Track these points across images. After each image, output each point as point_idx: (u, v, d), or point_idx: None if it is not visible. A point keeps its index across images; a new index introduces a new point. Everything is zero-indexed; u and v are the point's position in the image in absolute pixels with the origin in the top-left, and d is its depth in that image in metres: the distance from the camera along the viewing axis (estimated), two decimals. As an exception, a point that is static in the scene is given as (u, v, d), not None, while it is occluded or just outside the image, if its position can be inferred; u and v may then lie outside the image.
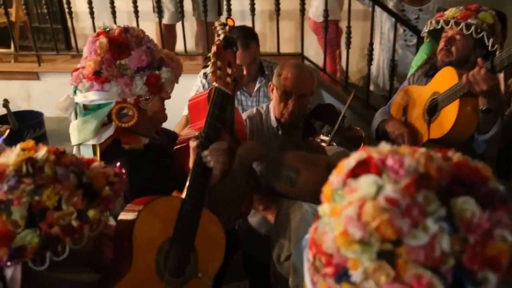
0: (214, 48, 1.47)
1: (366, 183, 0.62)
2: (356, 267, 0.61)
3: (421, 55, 2.56)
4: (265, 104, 2.33)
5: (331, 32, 3.66)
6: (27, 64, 4.02)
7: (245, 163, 1.55)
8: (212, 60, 1.45)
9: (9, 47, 4.16)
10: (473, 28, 2.00)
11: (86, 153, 1.55)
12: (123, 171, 1.21)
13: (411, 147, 0.68)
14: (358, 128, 2.09)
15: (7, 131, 1.65)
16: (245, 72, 2.39)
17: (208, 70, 1.47)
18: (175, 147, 1.69)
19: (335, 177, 0.67)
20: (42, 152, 1.06)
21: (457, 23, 2.04)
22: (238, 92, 2.59)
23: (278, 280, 1.72)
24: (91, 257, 1.19)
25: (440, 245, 0.58)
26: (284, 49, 3.61)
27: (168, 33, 3.68)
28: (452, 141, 1.95)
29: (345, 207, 0.62)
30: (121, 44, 1.55)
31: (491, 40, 2.03)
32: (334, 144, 1.96)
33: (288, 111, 2.09)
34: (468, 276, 0.58)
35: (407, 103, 2.29)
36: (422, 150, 0.67)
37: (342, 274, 0.63)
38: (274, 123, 2.20)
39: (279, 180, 1.41)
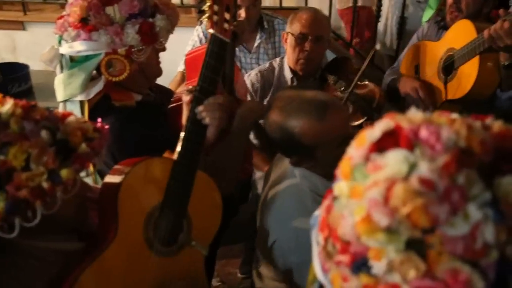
0: None
1: (395, 160, 0.52)
2: (379, 257, 0.52)
3: (429, 11, 2.42)
4: (278, 58, 2.22)
5: (361, 18, 3.44)
6: (12, 12, 3.77)
7: (245, 123, 1.41)
8: (208, 4, 1.30)
9: (-9, -7, 3.94)
10: None
11: (73, 110, 1.42)
12: (107, 126, 1.09)
13: (443, 112, 0.58)
14: (373, 84, 1.97)
15: None
16: (243, 15, 2.27)
17: (206, 15, 1.32)
18: (170, 106, 1.57)
19: (356, 151, 0.57)
20: (7, 106, 0.94)
21: None
22: (237, 49, 2.46)
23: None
24: (75, 224, 1.09)
25: (483, 235, 0.49)
26: (286, 2, 3.41)
27: None
28: (472, 100, 1.85)
29: (369, 188, 0.52)
30: None
31: None
32: (348, 102, 1.86)
33: (304, 55, 2.01)
34: None
35: (419, 61, 2.16)
36: (461, 118, 0.56)
37: (360, 264, 0.54)
38: (289, 75, 2.11)
39: (303, 117, 1.24)
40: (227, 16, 1.31)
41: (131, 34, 1.41)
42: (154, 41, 1.46)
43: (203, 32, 2.50)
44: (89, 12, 1.39)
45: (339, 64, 2.08)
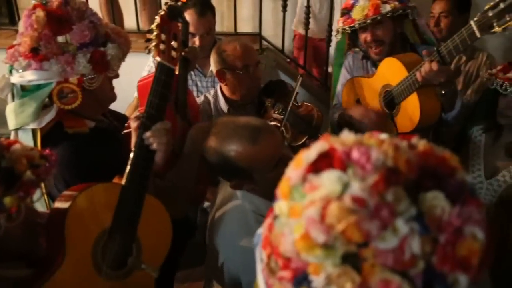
0: (157, 19, 1.35)
1: (329, 180, 0.56)
2: (317, 272, 0.55)
3: (339, 52, 2.52)
4: (212, 90, 2.24)
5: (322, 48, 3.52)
6: None
7: (197, 145, 1.44)
8: (155, 33, 1.33)
9: None
10: (390, 14, 1.96)
11: (25, 138, 1.41)
12: (54, 153, 1.10)
13: (376, 135, 0.62)
14: (309, 104, 2.04)
15: None
16: (198, 43, 2.30)
17: (151, 44, 1.35)
18: (124, 131, 1.58)
19: (294, 172, 0.60)
20: None
21: (374, 20, 1.97)
22: (193, 73, 2.49)
23: None
24: (23, 250, 1.08)
25: (410, 247, 0.53)
26: (242, 29, 3.48)
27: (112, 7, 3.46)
28: (422, 129, 1.93)
29: (306, 207, 0.55)
30: (60, 18, 1.42)
31: (413, 11, 2.01)
32: (288, 124, 1.91)
33: (255, 83, 2.03)
34: (438, 279, 0.54)
35: (358, 96, 2.24)
36: (388, 139, 0.61)
37: (301, 279, 0.57)
38: (224, 107, 2.12)
39: (237, 141, 1.29)
40: (174, 44, 1.34)
41: (83, 63, 1.42)
42: (105, 69, 1.48)
43: (148, 53, 2.51)
44: (39, 42, 1.40)
45: (274, 86, 2.12)
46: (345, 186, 0.55)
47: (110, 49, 1.47)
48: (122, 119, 1.71)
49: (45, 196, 1.42)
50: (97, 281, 1.23)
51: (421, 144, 0.62)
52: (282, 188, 0.61)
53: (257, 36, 3.34)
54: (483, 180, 1.87)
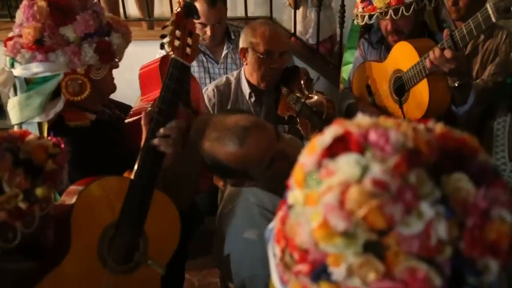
0: (173, 16, 1.33)
1: (347, 164, 0.52)
2: (338, 263, 0.52)
3: (353, 35, 2.45)
4: (235, 71, 2.21)
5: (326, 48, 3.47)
6: None
7: (201, 135, 1.41)
8: (170, 29, 1.31)
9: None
10: (414, 5, 1.87)
11: (31, 131, 1.39)
12: (61, 140, 1.09)
13: (393, 119, 0.59)
14: (321, 95, 2.00)
15: None
16: (209, 33, 2.27)
17: (166, 39, 1.33)
18: (126, 121, 1.55)
19: (307, 158, 0.57)
20: None
21: (396, 10, 1.88)
22: (204, 59, 2.47)
23: None
24: (33, 240, 1.08)
25: (437, 232, 0.49)
26: (254, 12, 3.42)
27: None
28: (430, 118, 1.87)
29: (324, 193, 0.52)
30: (63, 8, 1.38)
31: (433, 2, 1.92)
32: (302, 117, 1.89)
33: (271, 72, 2.00)
34: (468, 266, 0.50)
35: (369, 81, 2.18)
36: (406, 122, 0.57)
37: (320, 272, 0.54)
38: (247, 90, 2.10)
39: (225, 144, 1.26)
40: (189, 41, 1.32)
41: (89, 53, 1.39)
42: (112, 59, 1.46)
43: (163, 49, 2.49)
44: (43, 33, 1.37)
45: (290, 74, 2.09)
46: (364, 169, 0.51)
47: (115, 39, 1.44)
48: (126, 109, 1.69)
49: None
50: (102, 274, 1.22)
51: (438, 126, 0.58)
52: (295, 176, 0.57)
53: (269, 20, 3.28)
54: (506, 161, 1.81)
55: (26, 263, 1.10)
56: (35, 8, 1.37)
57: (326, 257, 0.52)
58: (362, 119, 0.57)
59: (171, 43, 1.30)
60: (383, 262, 0.50)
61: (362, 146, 0.53)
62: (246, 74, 2.11)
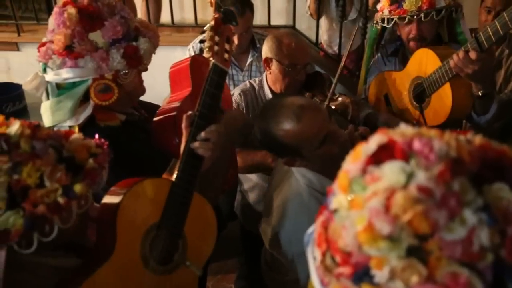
0: (212, 22, 1.36)
1: (392, 171, 0.54)
2: (381, 266, 0.54)
3: (370, 42, 2.46)
4: (257, 78, 2.24)
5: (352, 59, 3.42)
6: (7, 34, 3.79)
7: (229, 131, 1.47)
8: (209, 35, 1.34)
9: (-14, 16, 3.93)
10: (443, 11, 1.90)
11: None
12: (104, 141, 1.13)
13: (435, 129, 0.61)
14: (345, 97, 2.04)
15: None
16: (236, 42, 2.31)
17: (205, 44, 1.36)
18: (154, 119, 1.58)
19: (352, 164, 0.59)
20: (15, 126, 0.97)
21: (427, 14, 1.90)
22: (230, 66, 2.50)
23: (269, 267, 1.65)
24: (74, 239, 1.10)
25: (479, 238, 0.51)
26: (275, 21, 3.46)
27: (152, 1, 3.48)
28: (449, 125, 1.86)
29: (369, 198, 0.54)
30: (92, 14, 1.42)
31: (459, 10, 1.95)
32: None
33: (295, 83, 2.03)
34: (509, 272, 0.52)
35: (387, 91, 2.19)
36: (448, 132, 0.60)
37: (362, 275, 0.55)
38: (269, 96, 2.13)
39: (282, 121, 1.36)
40: (227, 46, 1.36)
41: (117, 58, 1.42)
42: (139, 64, 1.48)
43: (194, 52, 2.52)
44: (73, 39, 1.40)
45: (312, 79, 2.12)
46: (409, 176, 0.53)
47: (142, 44, 1.47)
48: (154, 110, 1.71)
49: None
50: (144, 274, 1.24)
51: (478, 138, 0.60)
52: (340, 181, 0.59)
53: (291, 29, 3.29)
54: None
55: (67, 260, 1.12)
56: (65, 15, 1.40)
57: (369, 260, 0.54)
58: (405, 128, 0.59)
59: (211, 49, 1.33)
60: (425, 266, 0.52)
61: (406, 154, 0.55)
62: (269, 82, 2.14)
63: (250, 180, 2.23)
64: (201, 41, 1.37)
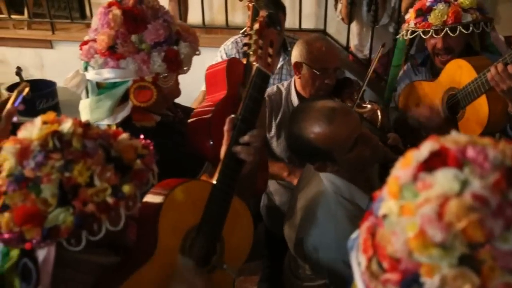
0: (256, 25, 1.35)
1: (445, 178, 0.54)
2: (431, 274, 0.53)
3: (398, 52, 2.43)
4: (286, 81, 2.24)
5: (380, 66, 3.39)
6: (41, 31, 3.91)
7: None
8: (254, 38, 1.34)
9: (22, 13, 4.05)
10: (471, 26, 1.86)
11: None
12: (151, 143, 1.13)
13: (487, 137, 0.60)
14: (374, 104, 2.04)
15: (26, 90, 1.54)
16: None
17: (251, 48, 1.36)
18: (189, 120, 1.60)
19: (403, 171, 0.59)
20: (67, 124, 0.98)
21: (453, 29, 1.87)
22: None
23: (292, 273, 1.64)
24: (114, 238, 1.12)
25: None
26: (305, 25, 3.44)
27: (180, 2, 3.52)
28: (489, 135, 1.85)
29: (421, 205, 0.54)
30: (136, 16, 1.44)
31: (488, 25, 1.91)
32: None
33: (326, 87, 2.03)
34: None
35: (418, 100, 2.16)
36: (502, 141, 0.59)
37: (411, 282, 0.55)
38: (295, 101, 2.12)
39: (314, 124, 1.36)
40: (270, 51, 1.35)
41: (157, 61, 1.44)
42: (179, 68, 1.50)
43: (226, 53, 2.55)
44: (116, 40, 1.42)
45: (341, 85, 2.11)
46: (464, 184, 0.53)
47: (182, 48, 1.48)
48: (189, 113, 1.72)
49: None
50: None
51: None
52: (390, 187, 0.59)
53: (322, 33, 3.28)
54: None
55: (110, 258, 1.14)
56: (110, 16, 1.43)
57: (419, 267, 0.54)
58: (458, 136, 0.58)
59: (255, 52, 1.33)
60: (478, 276, 0.51)
61: (460, 162, 0.55)
62: (298, 87, 2.13)
63: (275, 183, 2.23)
64: (245, 44, 1.37)
